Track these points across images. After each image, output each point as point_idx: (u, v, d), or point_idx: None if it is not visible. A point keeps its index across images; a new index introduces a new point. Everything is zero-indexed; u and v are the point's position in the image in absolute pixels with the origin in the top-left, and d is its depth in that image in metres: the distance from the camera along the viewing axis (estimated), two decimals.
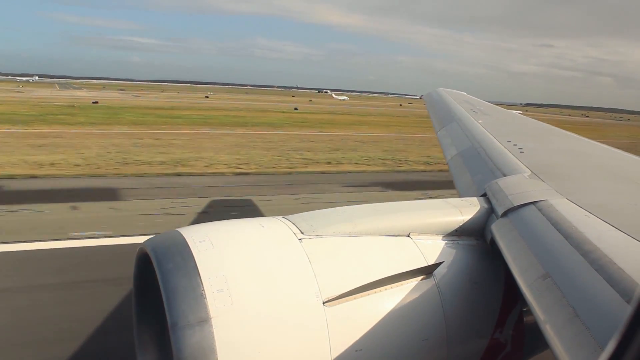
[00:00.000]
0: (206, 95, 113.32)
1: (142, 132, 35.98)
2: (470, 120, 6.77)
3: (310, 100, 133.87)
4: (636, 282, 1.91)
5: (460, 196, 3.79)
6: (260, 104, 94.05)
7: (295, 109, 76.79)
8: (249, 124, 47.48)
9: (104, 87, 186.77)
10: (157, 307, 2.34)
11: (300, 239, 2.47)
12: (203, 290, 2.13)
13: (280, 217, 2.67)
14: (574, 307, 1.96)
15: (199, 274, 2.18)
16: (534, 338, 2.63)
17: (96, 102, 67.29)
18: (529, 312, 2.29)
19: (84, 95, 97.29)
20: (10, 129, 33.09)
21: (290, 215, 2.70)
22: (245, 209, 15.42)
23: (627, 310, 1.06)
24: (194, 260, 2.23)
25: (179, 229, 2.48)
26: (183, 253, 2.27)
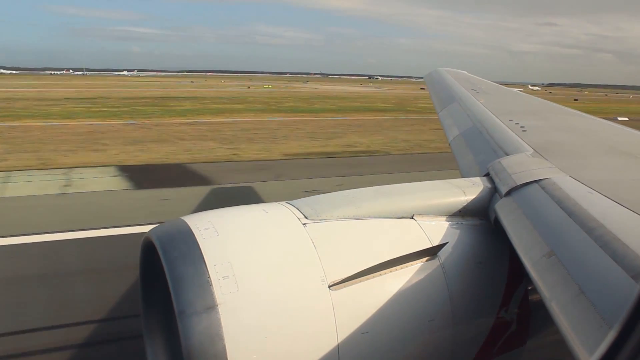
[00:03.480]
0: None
1: None
2: (471, 100, 6.70)
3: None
4: None
5: (463, 177, 3.78)
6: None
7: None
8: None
9: (223, 80, 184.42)
10: (164, 295, 2.36)
11: (304, 224, 2.47)
12: (209, 277, 2.14)
13: (283, 203, 2.67)
14: (580, 284, 1.95)
15: (205, 262, 2.18)
16: (540, 316, 2.64)
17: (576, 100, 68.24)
18: (534, 290, 2.29)
19: (330, 87, 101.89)
20: None
21: (293, 200, 2.69)
22: None
23: (635, 289, 1.04)
24: (199, 247, 2.23)
25: (183, 217, 2.48)
26: (188, 241, 2.27)
